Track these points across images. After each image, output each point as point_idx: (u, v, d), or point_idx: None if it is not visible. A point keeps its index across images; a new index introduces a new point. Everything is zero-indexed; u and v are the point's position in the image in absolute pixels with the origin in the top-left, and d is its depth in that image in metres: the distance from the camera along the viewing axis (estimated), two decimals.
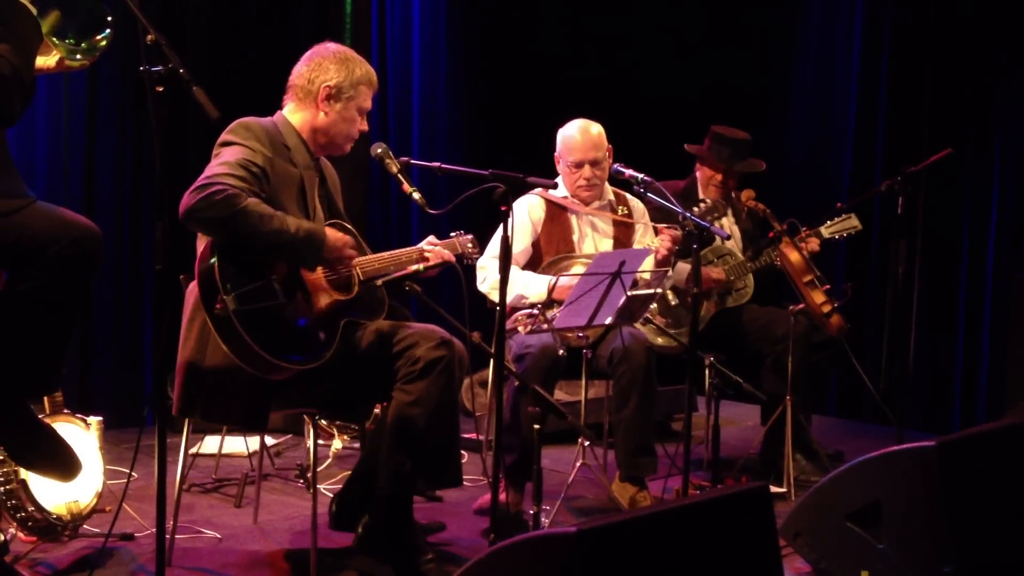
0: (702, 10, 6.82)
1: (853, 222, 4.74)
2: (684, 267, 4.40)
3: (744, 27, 6.75)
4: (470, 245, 3.67)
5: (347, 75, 3.33)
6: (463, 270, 3.45)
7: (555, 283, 3.87)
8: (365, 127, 3.43)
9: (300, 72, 3.37)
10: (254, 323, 3.00)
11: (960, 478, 3.16)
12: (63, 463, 3.07)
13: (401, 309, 3.53)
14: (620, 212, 4.27)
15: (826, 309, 4.47)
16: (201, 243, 3.13)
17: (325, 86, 3.32)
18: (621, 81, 6.69)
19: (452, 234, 3.64)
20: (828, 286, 4.53)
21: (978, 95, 5.76)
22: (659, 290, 3.99)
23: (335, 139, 3.39)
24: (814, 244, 4.66)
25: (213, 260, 3.02)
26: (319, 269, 3.22)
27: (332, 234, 3.21)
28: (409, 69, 6.30)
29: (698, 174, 4.87)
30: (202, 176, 3.06)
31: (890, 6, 6.08)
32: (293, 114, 3.37)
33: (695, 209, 3.81)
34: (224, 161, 3.11)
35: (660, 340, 4.38)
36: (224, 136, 3.22)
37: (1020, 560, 3.49)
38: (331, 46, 3.41)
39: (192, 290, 3.16)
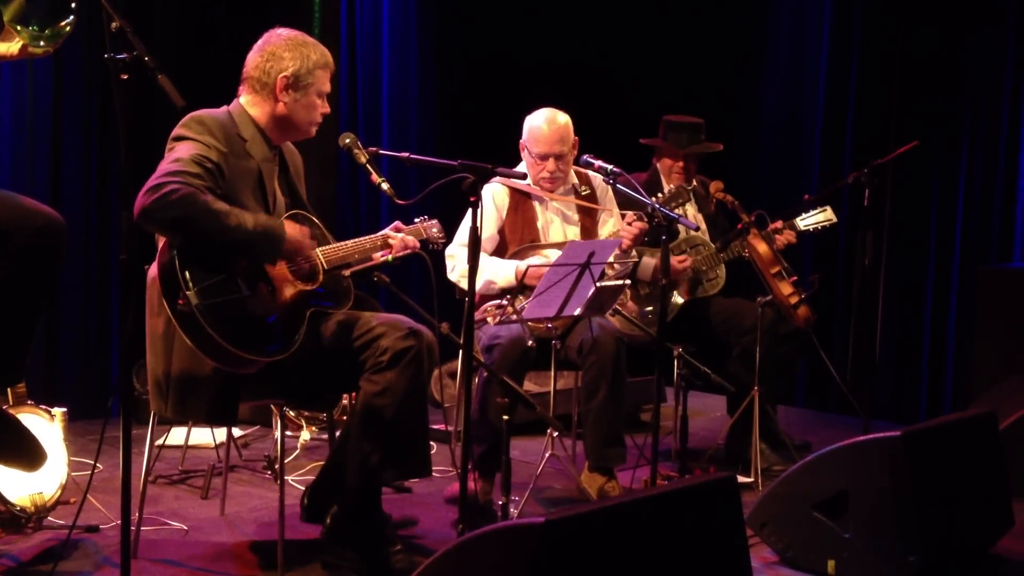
0: (672, 4, 6.83)
1: (829, 215, 4.76)
2: (649, 262, 4.41)
3: (715, 20, 6.77)
4: (435, 230, 3.64)
5: (303, 62, 3.26)
6: (430, 258, 3.43)
7: (525, 269, 3.86)
8: (327, 109, 3.38)
9: (255, 63, 3.28)
10: (218, 317, 2.97)
11: (926, 468, 3.19)
12: (27, 453, 3.05)
13: (370, 300, 3.51)
14: (583, 191, 4.26)
15: (793, 300, 4.49)
16: (162, 236, 3.09)
17: (282, 76, 3.25)
18: (591, 71, 6.68)
19: (416, 220, 3.61)
20: (795, 277, 4.55)
21: (946, 87, 5.80)
22: (628, 281, 3.99)
23: (298, 126, 3.33)
24: (790, 236, 4.68)
25: (173, 254, 2.98)
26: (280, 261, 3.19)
27: (291, 227, 3.16)
28: (379, 58, 6.27)
29: (658, 166, 4.89)
30: (155, 175, 2.99)
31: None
32: (251, 106, 3.29)
33: (659, 196, 3.82)
34: (178, 158, 3.04)
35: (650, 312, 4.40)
36: (177, 131, 3.16)
37: (983, 548, 3.54)
38: (282, 32, 3.32)
39: (153, 284, 3.12)
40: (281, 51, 3.26)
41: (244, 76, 3.32)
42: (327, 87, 3.35)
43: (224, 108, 3.29)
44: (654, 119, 5.00)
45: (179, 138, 3.14)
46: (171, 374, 3.13)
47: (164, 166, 3.03)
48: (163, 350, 3.14)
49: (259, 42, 3.32)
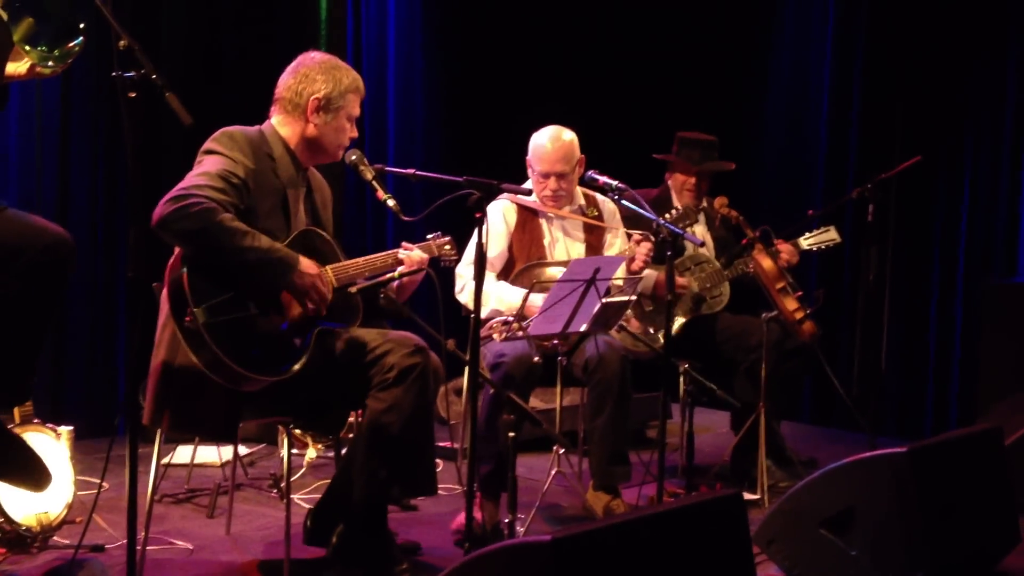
0: (677, 20, 6.85)
1: (832, 235, 4.77)
2: (651, 274, 4.41)
3: (718, 35, 6.79)
4: (447, 247, 3.64)
5: (335, 85, 3.30)
6: (438, 276, 3.43)
7: (527, 296, 3.81)
8: (355, 134, 3.41)
9: (287, 84, 3.32)
10: (225, 335, 2.97)
11: (932, 484, 3.18)
12: (32, 474, 3.05)
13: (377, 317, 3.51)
14: (590, 213, 4.27)
15: (798, 315, 4.49)
16: (177, 246, 3.10)
17: (314, 98, 3.28)
18: (597, 87, 6.70)
19: (429, 236, 3.62)
20: (800, 292, 4.55)
21: (949, 102, 5.81)
22: (633, 297, 3.99)
23: (327, 148, 3.37)
24: (792, 257, 4.68)
25: (183, 271, 2.99)
26: None
27: (306, 265, 3.13)
28: (384, 75, 6.29)
29: (670, 182, 4.89)
30: (179, 185, 3.02)
31: (863, 15, 6.13)
32: (282, 126, 3.33)
33: (667, 216, 3.82)
34: (204, 172, 3.07)
35: (648, 334, 4.40)
36: (207, 144, 3.19)
37: (989, 564, 3.53)
38: (316, 55, 3.37)
39: (164, 299, 3.13)
40: (314, 74, 3.30)
41: (276, 97, 3.35)
42: (357, 111, 3.39)
43: (256, 127, 3.32)
44: (658, 134, 5.02)
45: (209, 152, 3.17)
46: (175, 382, 3.13)
47: (190, 178, 3.06)
48: (168, 355, 3.13)
49: (292, 64, 3.36)
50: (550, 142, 4.15)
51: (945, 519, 3.22)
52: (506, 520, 3.13)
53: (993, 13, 5.66)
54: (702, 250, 4.74)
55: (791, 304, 4.50)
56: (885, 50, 6.01)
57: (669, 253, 3.67)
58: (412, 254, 3.45)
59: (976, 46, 5.73)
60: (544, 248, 4.21)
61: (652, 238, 3.96)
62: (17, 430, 3.30)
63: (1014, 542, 3.56)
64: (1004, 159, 5.68)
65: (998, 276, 5.62)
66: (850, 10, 6.19)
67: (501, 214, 4.17)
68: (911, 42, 5.88)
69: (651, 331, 4.50)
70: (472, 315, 3.12)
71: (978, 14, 5.69)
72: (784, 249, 4.66)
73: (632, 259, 4.06)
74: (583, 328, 3.73)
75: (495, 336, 3.85)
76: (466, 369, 3.75)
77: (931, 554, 3.12)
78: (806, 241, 4.76)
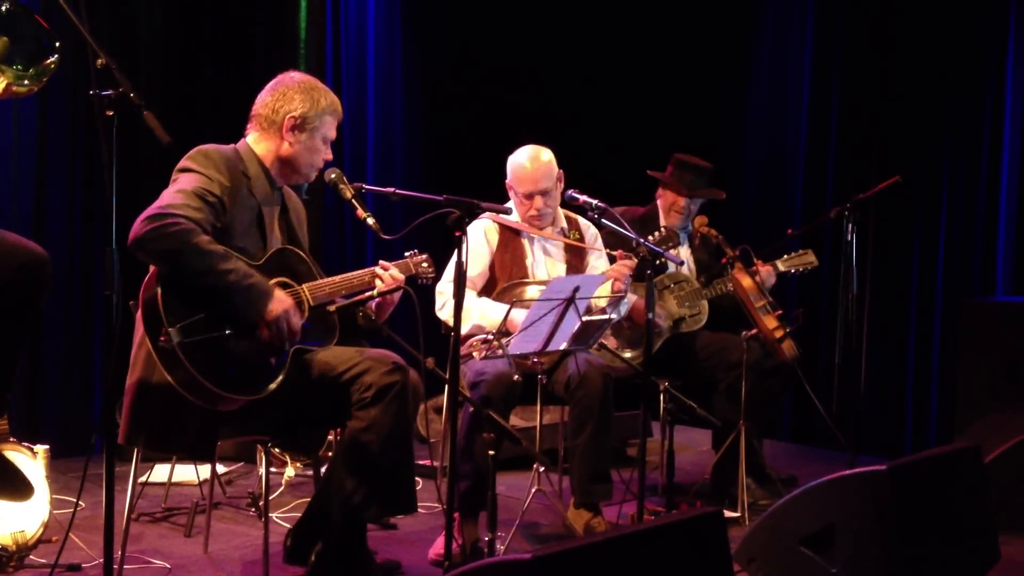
0: (658, 40, 6.89)
1: (810, 258, 4.82)
2: (631, 298, 4.42)
3: (698, 56, 6.83)
4: (425, 264, 3.64)
5: (312, 105, 3.30)
6: (417, 294, 3.42)
7: (508, 312, 3.82)
8: (329, 156, 3.41)
9: (264, 101, 3.33)
10: (200, 355, 2.96)
11: (912, 502, 3.19)
12: (14, 485, 3.03)
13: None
14: (572, 236, 4.28)
15: (778, 334, 4.51)
16: (152, 265, 3.08)
17: (290, 116, 3.29)
18: (577, 107, 6.73)
19: (406, 254, 3.62)
20: (780, 311, 4.57)
21: (926, 123, 5.86)
22: (614, 316, 3.99)
23: (300, 168, 3.36)
24: (769, 276, 4.70)
25: (157, 290, 2.97)
26: None
27: (280, 296, 3.11)
28: (364, 94, 6.29)
29: (659, 201, 4.90)
30: (156, 204, 3.01)
31: (840, 36, 6.18)
32: (257, 144, 3.33)
33: (651, 237, 3.83)
34: (180, 189, 3.06)
35: (627, 353, 4.40)
36: (182, 163, 3.18)
37: None
38: (295, 75, 3.38)
39: (139, 318, 3.11)
40: (292, 92, 3.31)
41: (252, 114, 3.35)
42: (332, 134, 3.38)
43: (232, 145, 3.32)
44: (640, 152, 5.03)
45: (184, 170, 3.16)
46: (151, 400, 3.10)
47: (166, 197, 3.04)
48: (144, 372, 3.10)
49: (271, 83, 3.37)
50: (529, 162, 4.15)
51: (925, 537, 3.23)
52: (486, 538, 3.12)
53: (971, 33, 5.71)
54: (682, 269, 4.75)
55: (771, 323, 4.51)
56: (862, 71, 6.06)
57: (649, 272, 3.68)
58: (388, 273, 3.44)
59: (953, 66, 5.77)
60: (526, 268, 4.20)
61: (634, 257, 3.97)
62: None
63: (994, 560, 3.56)
64: (981, 178, 5.72)
65: (976, 295, 5.65)
66: (828, 31, 6.24)
67: (483, 233, 4.16)
68: (888, 63, 5.93)
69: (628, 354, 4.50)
70: (452, 333, 3.11)
71: (956, 35, 5.74)
72: (761, 270, 4.68)
73: (612, 283, 4.06)
74: (563, 346, 3.72)
75: (475, 354, 3.84)
76: (446, 387, 3.75)
77: (911, 572, 3.12)
78: (783, 263, 4.79)
